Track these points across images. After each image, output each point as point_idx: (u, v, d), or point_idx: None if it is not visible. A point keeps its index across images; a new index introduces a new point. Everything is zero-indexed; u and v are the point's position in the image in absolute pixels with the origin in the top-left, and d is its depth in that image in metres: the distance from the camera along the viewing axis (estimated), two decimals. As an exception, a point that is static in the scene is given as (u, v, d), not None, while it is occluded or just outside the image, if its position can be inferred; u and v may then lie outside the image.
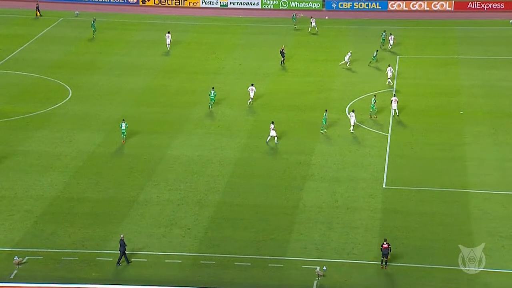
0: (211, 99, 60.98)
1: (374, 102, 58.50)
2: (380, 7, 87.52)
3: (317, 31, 79.51)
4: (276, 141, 54.72)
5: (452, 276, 40.64)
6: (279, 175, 51.04)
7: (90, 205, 47.65)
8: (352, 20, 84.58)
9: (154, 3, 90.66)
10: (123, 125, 55.59)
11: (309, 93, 64.52)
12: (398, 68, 69.11)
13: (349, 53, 69.08)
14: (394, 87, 64.62)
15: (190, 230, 44.78)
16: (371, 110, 58.54)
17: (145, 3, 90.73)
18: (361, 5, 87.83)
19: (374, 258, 42.04)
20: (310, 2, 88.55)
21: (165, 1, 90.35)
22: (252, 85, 62.04)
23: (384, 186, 49.38)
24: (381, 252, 40.82)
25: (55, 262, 41.97)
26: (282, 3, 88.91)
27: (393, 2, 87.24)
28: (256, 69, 69.88)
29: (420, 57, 72.15)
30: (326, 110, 56.91)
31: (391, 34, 74.13)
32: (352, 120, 55.85)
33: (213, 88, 61.72)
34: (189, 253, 42.80)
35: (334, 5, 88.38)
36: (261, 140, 56.00)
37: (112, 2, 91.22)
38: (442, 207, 46.94)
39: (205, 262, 42.08)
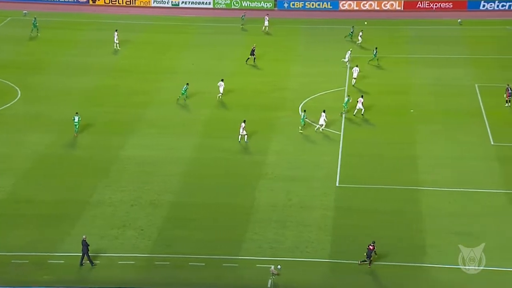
0: (182, 93, 61.05)
1: (348, 101, 58.85)
2: (331, 7, 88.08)
3: (267, 31, 79.58)
4: (239, 139, 54.65)
5: (403, 272, 41.08)
6: (233, 175, 50.98)
7: (40, 207, 46.91)
8: (304, 20, 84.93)
9: (105, 3, 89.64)
10: (76, 118, 55.24)
11: (263, 93, 64.55)
12: (350, 68, 69.56)
13: (349, 51, 69.27)
14: (346, 87, 65.08)
15: (144, 231, 44.41)
16: (343, 109, 58.95)
17: (95, 3, 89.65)
18: (312, 5, 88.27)
19: (328, 256, 42.28)
20: (262, 2, 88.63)
21: (116, 0, 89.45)
22: (222, 80, 62.00)
23: (337, 184, 49.67)
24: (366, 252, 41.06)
25: (4, 265, 41.19)
26: (234, 2, 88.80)
27: (344, 1, 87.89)
28: (209, 69, 69.62)
29: (372, 56, 72.68)
30: (304, 110, 56.84)
31: (362, 30, 74.67)
32: (322, 119, 55.96)
33: (187, 83, 61.46)
34: (143, 254, 42.45)
35: (286, 5, 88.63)
36: (215, 140, 55.87)
37: (62, 1, 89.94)
38: (394, 205, 47.41)
39: (159, 263, 41.78)
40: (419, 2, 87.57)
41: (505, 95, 60.80)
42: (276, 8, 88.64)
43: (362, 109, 58.72)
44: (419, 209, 46.77)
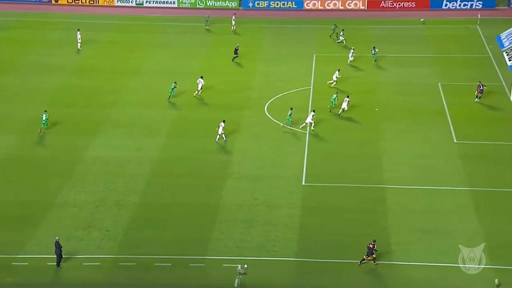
0: (170, 92, 61.08)
1: (336, 98, 59.63)
2: (296, 6, 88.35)
3: (235, 31, 79.51)
4: (217, 140, 54.70)
5: (369, 270, 41.32)
6: (199, 174, 50.87)
7: (4, 209, 46.34)
8: (269, 19, 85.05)
9: (67, 2, 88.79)
10: (44, 116, 55.17)
11: (229, 92, 64.49)
12: (315, 67, 69.94)
13: (352, 50, 69.94)
14: (312, 86, 65.39)
15: (109, 232, 44.12)
16: (331, 105, 59.76)
17: (58, 2, 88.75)
18: (277, 4, 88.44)
19: (294, 254, 42.42)
20: (227, 1, 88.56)
21: (79, 0, 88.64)
22: (202, 77, 62.22)
23: (303, 183, 49.84)
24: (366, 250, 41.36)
25: (-32, 268, 40.70)
26: (199, 2, 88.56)
27: (308, 1, 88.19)
28: (174, 68, 69.45)
29: (337, 55, 73.16)
30: (291, 108, 57.18)
31: (342, 30, 75.08)
32: (309, 118, 56.35)
33: (175, 82, 61.36)
34: (108, 255, 42.19)
35: (250, 4, 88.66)
36: (181, 140, 55.73)
37: (24, 1, 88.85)
38: (360, 203, 47.71)
39: (125, 264, 41.56)
40: (383, 2, 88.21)
41: (476, 91, 61.66)
42: (241, 8, 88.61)
43: (345, 108, 59.28)
44: (385, 207, 47.13)
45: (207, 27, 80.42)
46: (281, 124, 56.87)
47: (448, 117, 59.44)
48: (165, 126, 58.00)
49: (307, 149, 54.28)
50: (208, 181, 49.93)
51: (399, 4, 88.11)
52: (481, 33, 78.91)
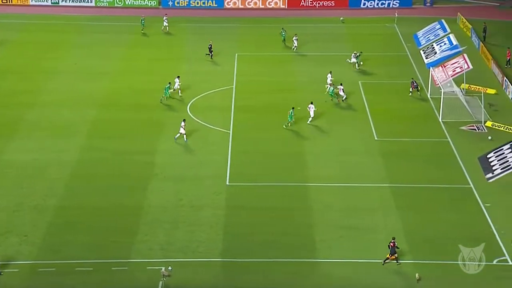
0: (165, 93, 60.22)
1: (332, 90, 61.11)
2: (216, 5, 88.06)
3: (168, 31, 78.40)
4: (185, 139, 54.00)
5: (294, 268, 41.46)
6: (122, 176, 50.04)
7: None
8: (189, 18, 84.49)
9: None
10: None
11: (151, 92, 63.50)
12: (237, 66, 69.84)
13: (354, 53, 69.61)
14: (234, 85, 65.26)
15: (27, 237, 42.91)
16: (330, 97, 61.45)
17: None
18: (197, 3, 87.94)
19: (219, 255, 42.18)
20: (146, 0, 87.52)
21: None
22: (178, 77, 61.65)
23: (227, 183, 49.61)
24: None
25: None
26: (117, 0, 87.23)
27: (229, 0, 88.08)
28: (93, 68, 68.22)
29: (258, 54, 73.25)
30: (292, 108, 57.04)
31: (296, 34, 74.38)
32: (312, 112, 57.16)
33: (169, 83, 60.52)
34: (27, 261, 41.05)
35: (170, 3, 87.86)
36: (101, 141, 54.64)
37: None
38: (284, 202, 47.82)
39: (44, 269, 40.51)
40: (303, 1, 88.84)
41: (410, 88, 63.18)
42: (160, 6, 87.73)
43: (343, 96, 61.04)
44: (309, 205, 47.36)
45: (143, 31, 78.68)
46: (285, 124, 56.82)
47: (369, 115, 60.22)
48: (85, 127, 56.78)
49: (231, 149, 54.07)
50: (131, 183, 49.14)
51: (318, 3, 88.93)
52: (398, 31, 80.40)
